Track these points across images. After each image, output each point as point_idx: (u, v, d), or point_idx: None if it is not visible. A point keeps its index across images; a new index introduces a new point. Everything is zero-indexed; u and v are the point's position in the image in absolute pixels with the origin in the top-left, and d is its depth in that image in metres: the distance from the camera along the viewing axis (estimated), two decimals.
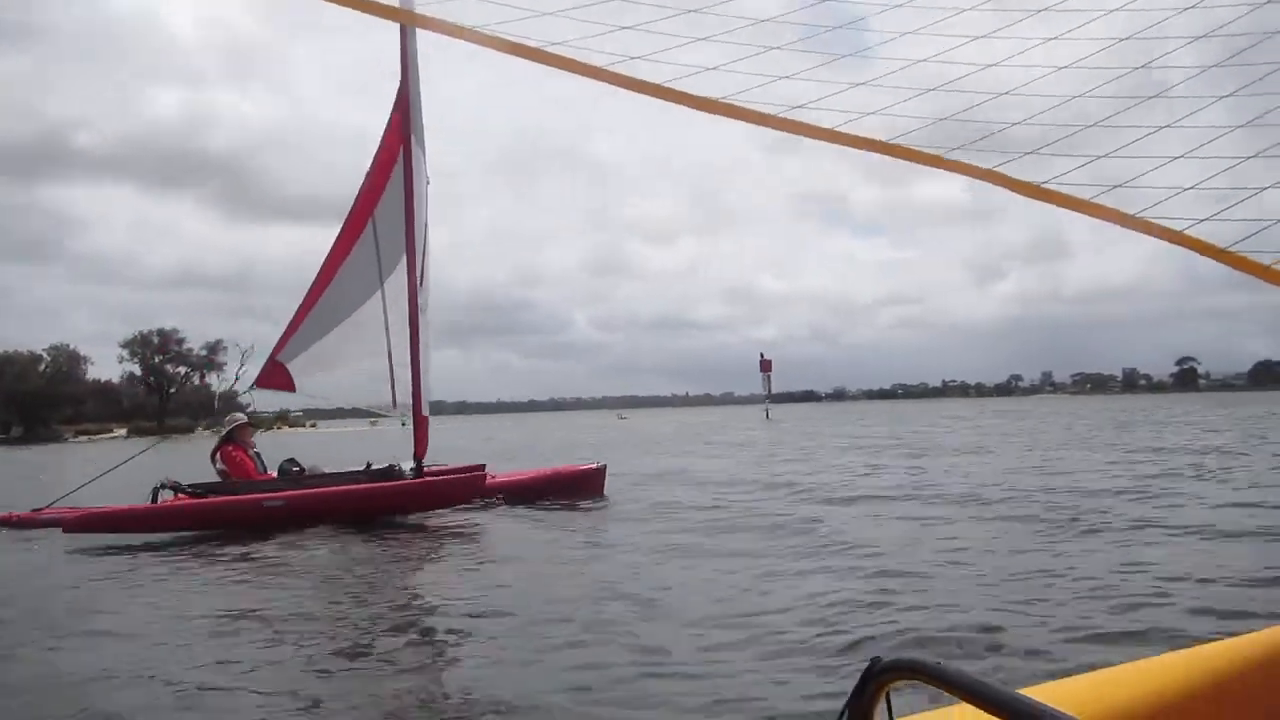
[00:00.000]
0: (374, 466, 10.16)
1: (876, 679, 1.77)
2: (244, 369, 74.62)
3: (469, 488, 10.31)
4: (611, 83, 2.05)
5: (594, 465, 11.93)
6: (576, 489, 11.27)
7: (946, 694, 1.70)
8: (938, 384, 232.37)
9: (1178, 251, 2.07)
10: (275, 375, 11.28)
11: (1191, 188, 2.05)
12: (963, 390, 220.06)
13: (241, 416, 10.81)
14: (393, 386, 11.37)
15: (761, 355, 54.68)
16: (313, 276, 11.17)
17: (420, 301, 10.83)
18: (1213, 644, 2.50)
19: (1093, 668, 2.47)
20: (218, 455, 10.32)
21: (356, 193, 11.11)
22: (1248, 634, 2.58)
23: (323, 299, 11.13)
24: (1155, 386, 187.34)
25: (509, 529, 9.52)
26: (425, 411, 10.90)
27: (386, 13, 2.27)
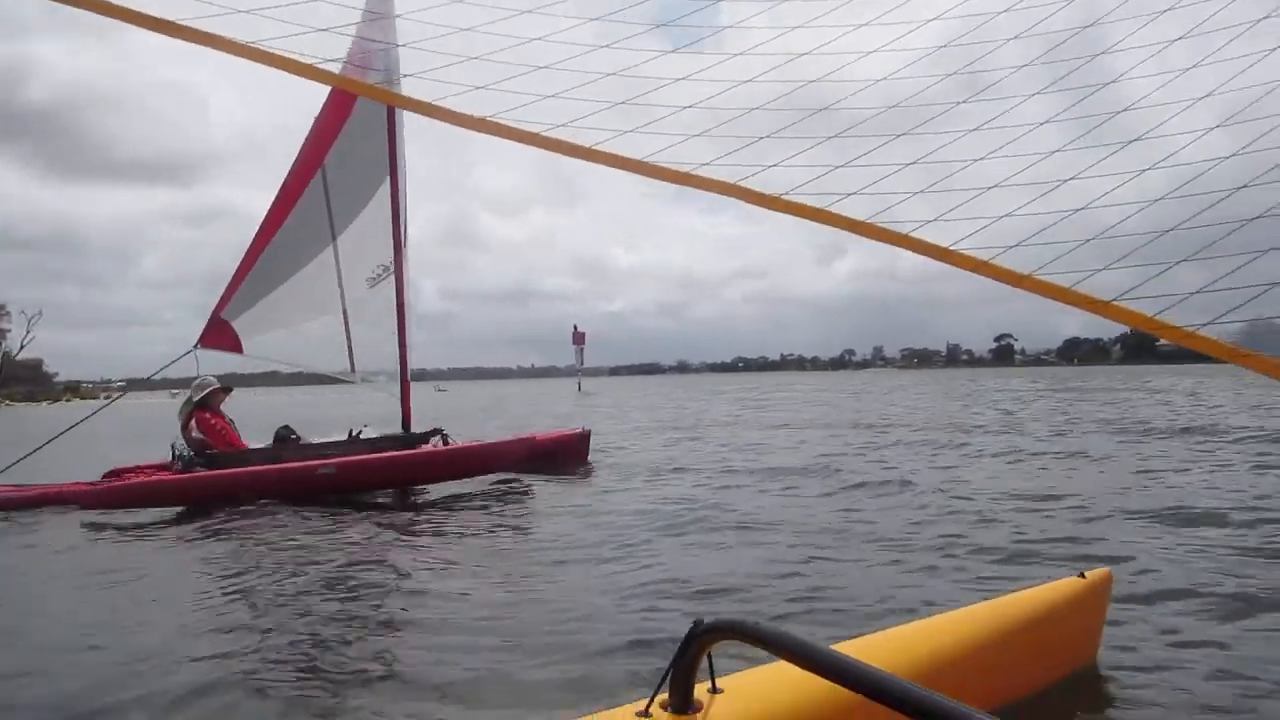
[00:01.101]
0: (360, 433, 9.73)
1: (699, 640, 1.89)
2: (30, 336, 69.66)
3: (517, 451, 9.86)
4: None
5: (579, 430, 11.44)
6: (557, 456, 10.89)
7: (766, 652, 1.83)
8: (777, 357, 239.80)
9: None
10: (220, 334, 10.33)
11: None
12: (799, 364, 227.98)
13: (214, 381, 9.76)
14: (350, 349, 10.72)
15: (575, 327, 54.30)
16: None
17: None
18: (998, 599, 2.76)
19: (898, 623, 2.68)
20: (192, 423, 9.37)
21: (304, 140, 10.42)
22: (1030, 588, 2.86)
23: (266, 252, 10.28)
24: (976, 361, 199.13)
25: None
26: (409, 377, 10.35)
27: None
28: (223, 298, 10.39)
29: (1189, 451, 10.51)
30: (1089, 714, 2.71)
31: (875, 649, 2.32)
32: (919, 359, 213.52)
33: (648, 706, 1.96)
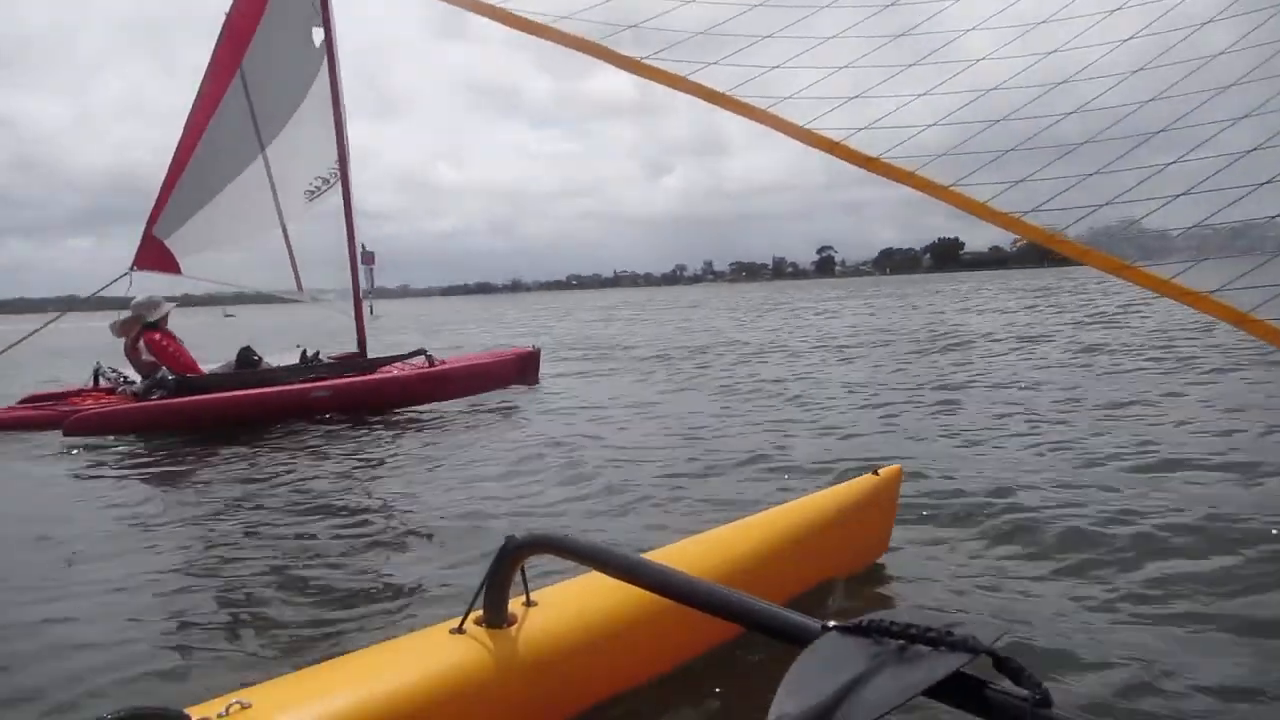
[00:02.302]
0: (317, 355, 9.13)
1: (511, 555, 1.90)
2: None
3: (512, 371, 9.57)
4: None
5: (530, 349, 10.77)
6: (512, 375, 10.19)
7: (579, 564, 1.85)
8: (610, 275, 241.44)
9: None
10: (155, 254, 9.41)
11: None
12: (633, 280, 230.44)
13: (165, 301, 8.78)
14: (294, 267, 9.97)
15: (363, 247, 52.36)
16: None
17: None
18: (800, 499, 2.91)
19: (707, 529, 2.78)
20: (141, 345, 8.50)
21: (215, 42, 9.28)
22: (829, 488, 3.02)
23: (192, 164, 9.37)
24: (800, 273, 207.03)
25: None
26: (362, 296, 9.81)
27: None
28: (152, 214, 9.46)
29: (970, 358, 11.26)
30: (879, 604, 2.91)
31: (682, 555, 2.40)
32: (747, 272, 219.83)
33: (461, 623, 1.97)
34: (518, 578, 2.03)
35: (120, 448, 7.20)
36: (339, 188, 9.91)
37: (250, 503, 5.01)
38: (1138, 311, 17.06)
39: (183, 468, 6.37)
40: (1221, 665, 2.37)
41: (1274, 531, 3.41)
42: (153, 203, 9.45)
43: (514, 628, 1.99)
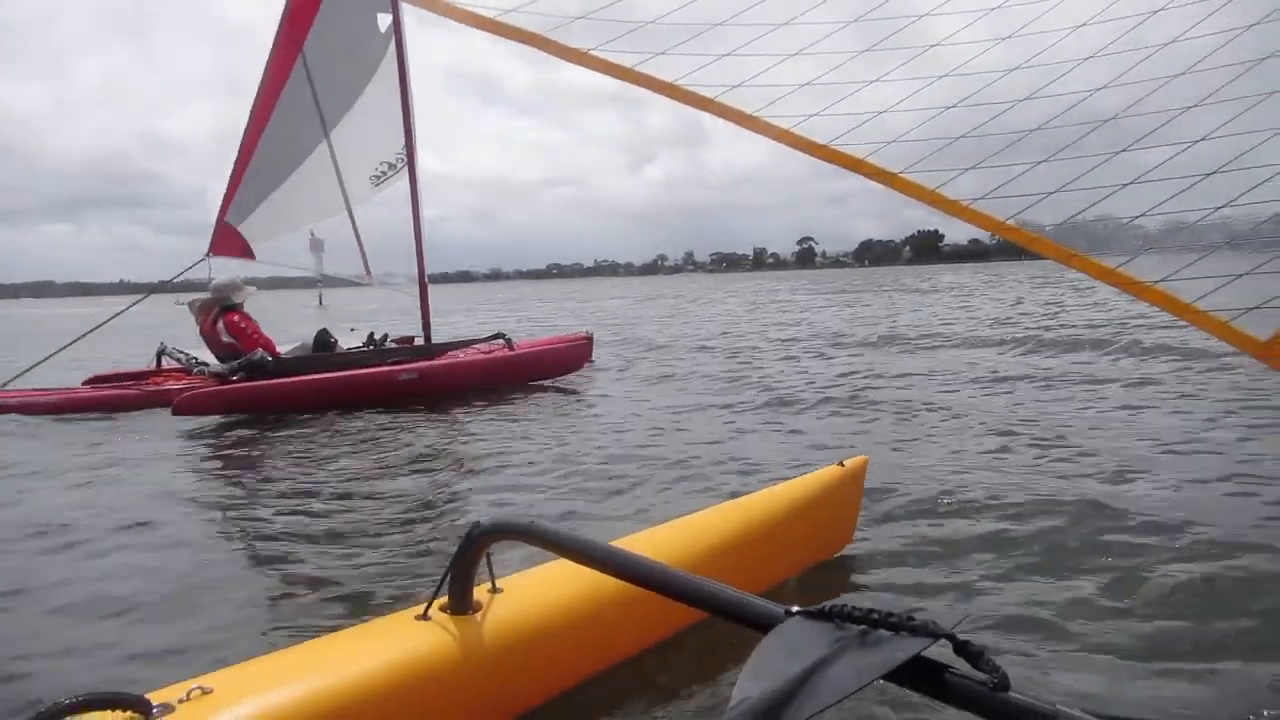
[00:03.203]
0: (384, 338, 9.23)
1: (476, 542, 1.90)
2: None
3: (579, 355, 9.61)
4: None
5: (585, 335, 10.62)
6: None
7: (547, 551, 1.86)
8: (591, 264, 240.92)
9: None
10: (229, 241, 9.48)
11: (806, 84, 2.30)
12: (613, 270, 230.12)
13: (246, 286, 8.81)
14: (362, 252, 10.01)
15: (311, 233, 50.57)
16: None
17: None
18: (767, 489, 2.93)
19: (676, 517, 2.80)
20: (220, 326, 8.45)
21: (277, 27, 9.30)
22: (796, 479, 3.04)
23: (259, 150, 9.39)
24: (780, 264, 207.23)
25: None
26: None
27: None
28: (224, 201, 9.50)
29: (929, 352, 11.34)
30: (843, 592, 2.94)
31: (648, 542, 2.42)
32: (727, 263, 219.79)
33: (426, 610, 1.98)
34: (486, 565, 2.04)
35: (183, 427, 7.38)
36: (404, 173, 9.86)
37: (264, 485, 5.06)
38: (1110, 306, 17.19)
39: (210, 449, 6.46)
40: (1185, 652, 2.41)
41: (1242, 521, 3.47)
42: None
43: (479, 614, 2.00)
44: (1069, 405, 6.56)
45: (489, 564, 2.03)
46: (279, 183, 9.69)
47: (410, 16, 9.83)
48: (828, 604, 1.43)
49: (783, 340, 13.74)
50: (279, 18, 9.53)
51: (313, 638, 2.05)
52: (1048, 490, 4.04)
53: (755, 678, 1.29)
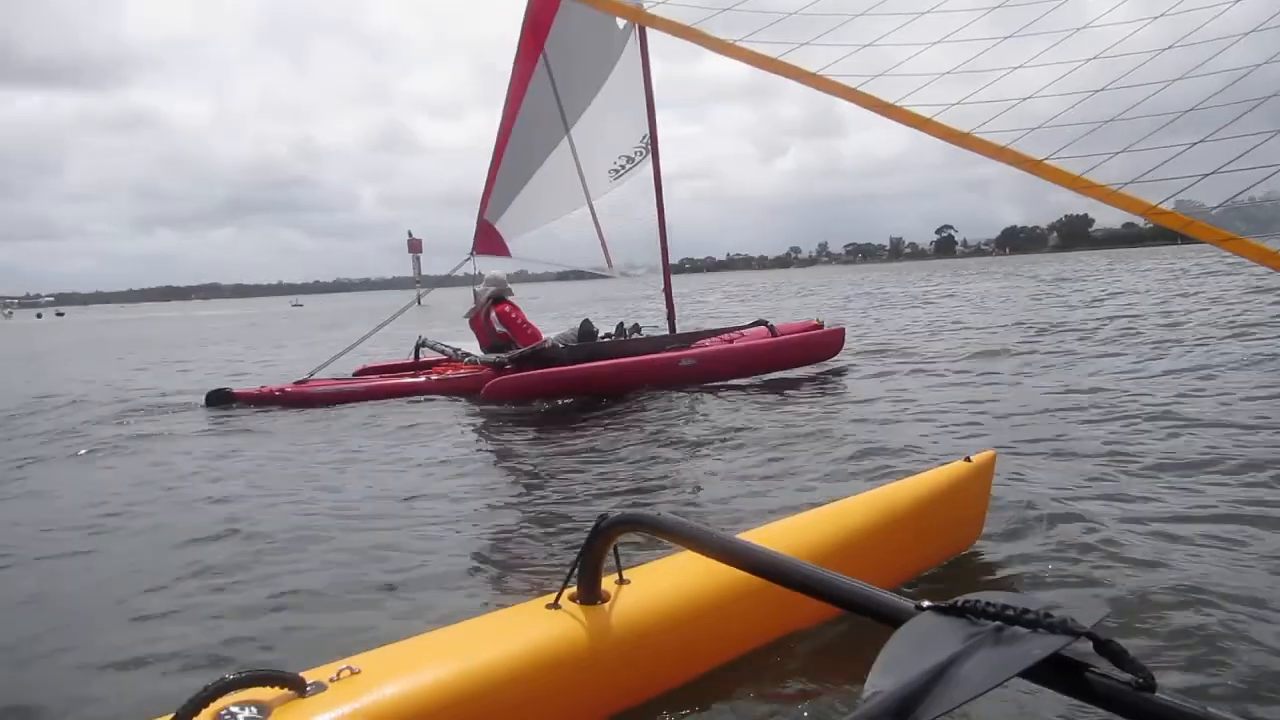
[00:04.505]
0: (634, 329, 9.58)
1: (604, 533, 1.96)
2: None
3: (834, 343, 9.65)
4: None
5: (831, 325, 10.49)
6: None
7: (671, 543, 1.90)
8: (723, 257, 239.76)
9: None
10: (489, 239, 10.06)
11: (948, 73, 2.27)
12: (746, 263, 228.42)
13: (504, 277, 9.39)
14: (603, 244, 10.28)
15: (409, 234, 49.52)
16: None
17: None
18: (893, 484, 2.88)
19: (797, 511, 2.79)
20: (493, 317, 9.02)
21: (520, 26, 9.80)
22: (920, 474, 2.98)
23: (509, 149, 9.92)
24: (918, 254, 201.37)
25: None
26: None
27: None
28: (482, 200, 10.09)
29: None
30: (973, 588, 2.83)
31: (774, 535, 2.42)
32: (863, 253, 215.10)
33: (557, 599, 2.04)
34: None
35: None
36: (642, 165, 10.10)
37: (459, 472, 5.31)
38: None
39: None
40: None
41: None
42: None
43: (607, 604, 2.05)
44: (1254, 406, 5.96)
45: (616, 555, 2.08)
46: (526, 181, 10.06)
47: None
48: (960, 599, 1.40)
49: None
50: (520, 25, 9.87)
51: (450, 624, 2.13)
52: (1204, 497, 3.81)
53: (887, 673, 1.27)
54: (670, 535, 1.91)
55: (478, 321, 9.20)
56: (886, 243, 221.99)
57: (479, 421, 7.43)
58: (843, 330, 9.94)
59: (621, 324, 9.68)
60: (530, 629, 1.98)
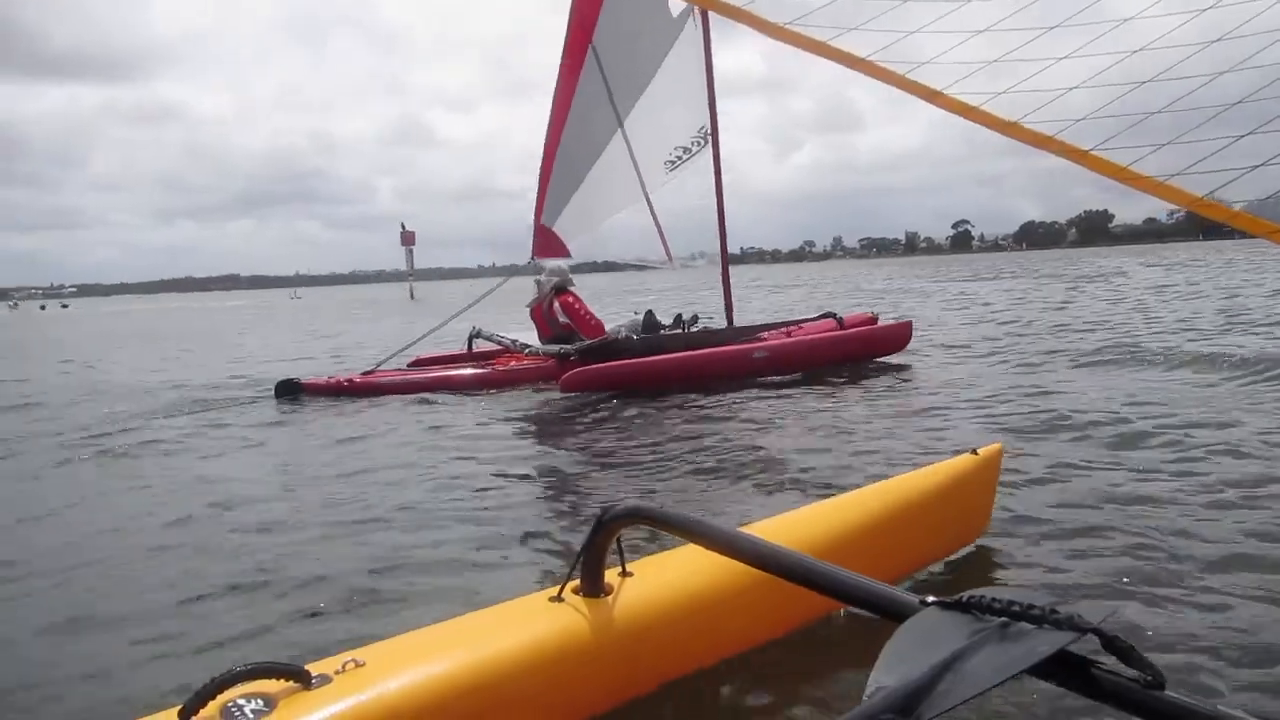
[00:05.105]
0: (693, 320, 9.55)
1: (606, 526, 1.96)
2: None
3: (902, 337, 9.55)
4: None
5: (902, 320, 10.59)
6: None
7: (674, 536, 1.90)
8: (738, 251, 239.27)
9: (955, 120, 2.31)
10: (549, 243, 10.02)
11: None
12: (759, 257, 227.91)
13: (566, 267, 9.32)
14: (662, 237, 10.23)
15: (403, 226, 48.11)
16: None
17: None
18: (898, 478, 2.88)
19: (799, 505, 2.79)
20: (556, 307, 8.99)
21: (567, 20, 9.68)
22: (926, 467, 2.97)
23: (561, 149, 9.85)
24: (934, 248, 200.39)
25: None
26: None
27: None
28: (537, 205, 10.04)
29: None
30: (979, 584, 2.84)
31: (777, 529, 2.42)
32: (878, 248, 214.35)
33: (560, 592, 2.05)
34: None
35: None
36: (700, 156, 10.05)
37: (470, 462, 5.28)
38: None
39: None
40: None
41: None
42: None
43: (610, 597, 2.06)
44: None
45: (619, 548, 2.09)
46: (581, 179, 9.98)
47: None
48: (965, 594, 1.39)
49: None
50: (566, 19, 9.76)
51: (454, 616, 2.14)
52: (1212, 488, 3.79)
53: (890, 668, 1.26)
54: (673, 528, 1.91)
55: (539, 312, 9.13)
56: (902, 237, 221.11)
57: (545, 413, 7.45)
58: (910, 323, 9.86)
59: (680, 315, 9.63)
60: (533, 622, 1.99)
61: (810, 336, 9.28)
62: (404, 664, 1.81)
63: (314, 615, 2.90)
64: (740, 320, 10.61)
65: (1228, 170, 2.18)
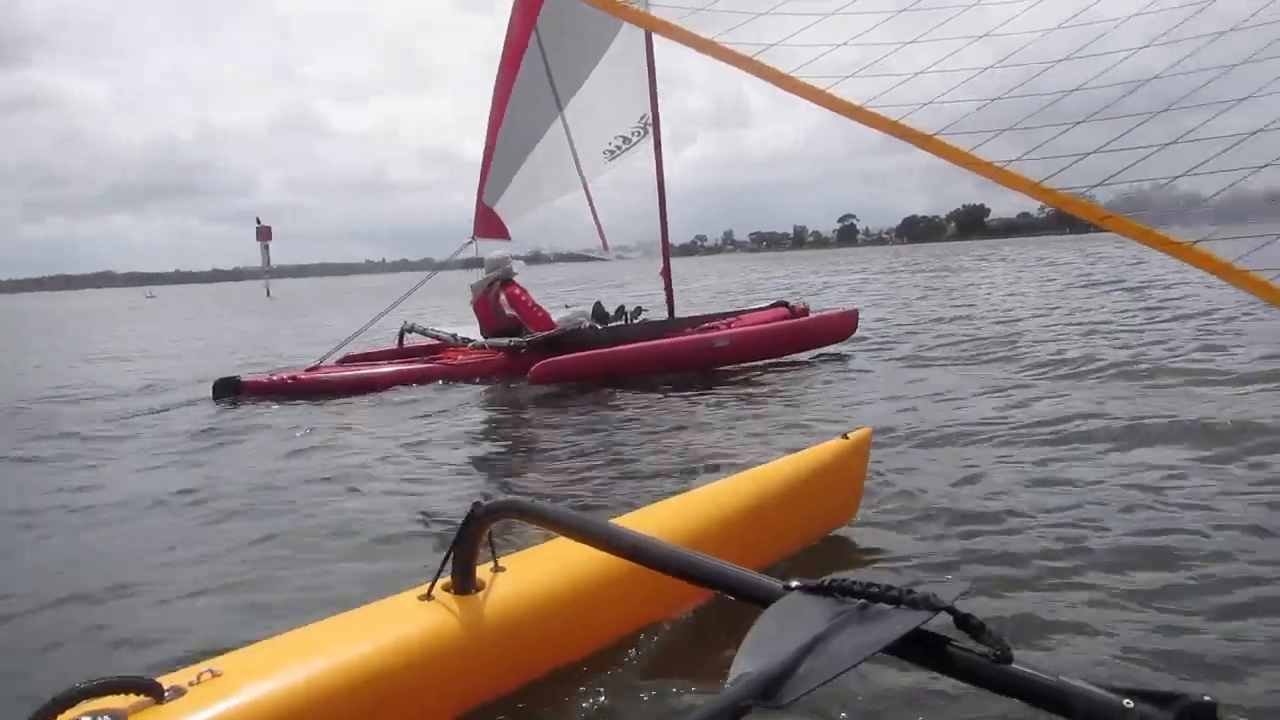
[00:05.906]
0: (637, 312, 9.47)
1: (477, 521, 1.93)
2: None
3: (850, 324, 9.55)
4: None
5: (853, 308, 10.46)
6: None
7: (548, 530, 1.88)
8: (632, 244, 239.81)
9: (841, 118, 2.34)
10: (489, 222, 9.67)
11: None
12: (646, 250, 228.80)
13: (514, 261, 9.07)
14: (598, 226, 10.04)
15: (258, 221, 47.70)
16: None
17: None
18: (769, 464, 2.92)
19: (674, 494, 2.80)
20: (503, 300, 8.79)
21: (511, 9, 9.48)
22: (798, 452, 3.02)
23: (504, 129, 9.55)
24: (821, 242, 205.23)
25: None
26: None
27: None
28: (480, 182, 9.70)
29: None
30: (845, 567, 2.91)
31: (648, 520, 2.43)
32: (767, 242, 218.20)
33: (430, 590, 2.01)
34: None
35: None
36: (639, 147, 9.88)
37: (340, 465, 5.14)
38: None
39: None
40: (1193, 635, 2.36)
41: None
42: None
43: (481, 593, 2.03)
44: (1114, 383, 6.37)
45: (491, 543, 2.06)
46: (521, 162, 9.78)
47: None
48: (827, 578, 1.43)
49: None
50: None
51: (318, 620, 2.07)
52: (1067, 472, 3.98)
53: (753, 653, 1.29)
54: (545, 522, 1.90)
55: (484, 305, 8.99)
56: (790, 231, 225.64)
57: (481, 406, 7.39)
58: (856, 311, 9.96)
59: (623, 307, 9.58)
60: (401, 622, 1.95)
61: (767, 327, 9.30)
62: (263, 672, 1.75)
63: (175, 627, 2.78)
64: (679, 313, 10.39)
65: (1066, 156, 2.28)
